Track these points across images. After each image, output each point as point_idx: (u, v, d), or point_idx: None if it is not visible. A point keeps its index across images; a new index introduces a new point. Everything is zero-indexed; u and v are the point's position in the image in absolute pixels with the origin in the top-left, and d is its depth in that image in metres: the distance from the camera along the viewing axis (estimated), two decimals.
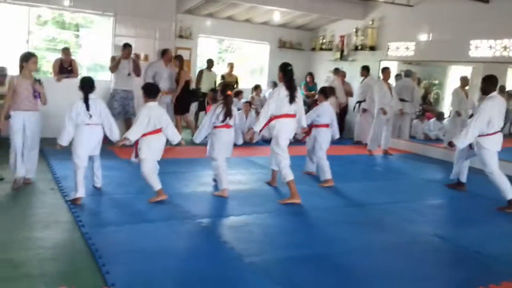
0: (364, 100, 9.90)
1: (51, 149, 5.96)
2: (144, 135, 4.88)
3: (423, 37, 9.61)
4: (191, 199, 5.32)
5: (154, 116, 4.88)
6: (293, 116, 5.45)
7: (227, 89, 5.47)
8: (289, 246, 4.06)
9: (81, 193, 4.75)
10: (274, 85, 11.15)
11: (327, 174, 6.27)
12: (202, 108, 9.81)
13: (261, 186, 6.03)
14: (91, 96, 4.93)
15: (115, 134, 5.14)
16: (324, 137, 6.39)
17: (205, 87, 10.07)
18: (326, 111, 6.41)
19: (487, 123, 5.45)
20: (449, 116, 9.67)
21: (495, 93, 5.60)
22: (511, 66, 9.07)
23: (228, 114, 5.31)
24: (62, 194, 5.03)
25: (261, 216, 4.83)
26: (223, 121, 5.33)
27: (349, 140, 10.37)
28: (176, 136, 5.13)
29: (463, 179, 6.36)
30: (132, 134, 4.86)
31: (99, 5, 8.45)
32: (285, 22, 11.92)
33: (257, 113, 10.17)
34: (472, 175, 6.42)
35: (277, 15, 10.81)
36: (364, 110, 9.86)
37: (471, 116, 9.13)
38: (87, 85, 4.94)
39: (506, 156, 8.56)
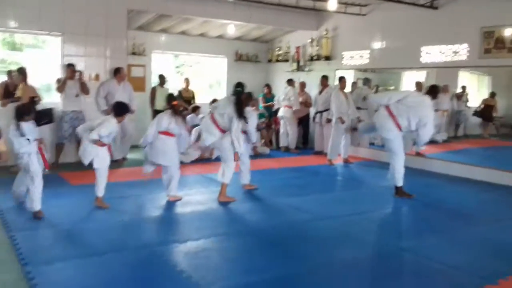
0: (325, 110, 9.82)
1: None
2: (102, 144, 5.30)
3: (376, 45, 9.73)
4: (146, 224, 5.10)
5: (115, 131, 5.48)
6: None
7: (172, 99, 5.87)
8: (249, 271, 3.88)
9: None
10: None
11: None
12: None
13: (220, 206, 5.85)
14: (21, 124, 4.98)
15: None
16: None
17: (159, 104, 9.83)
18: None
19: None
20: None
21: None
22: (461, 70, 9.28)
23: (181, 119, 5.77)
24: (5, 229, 4.69)
25: (220, 239, 4.65)
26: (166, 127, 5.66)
27: (310, 150, 10.35)
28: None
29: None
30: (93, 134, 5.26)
31: (45, 26, 8.10)
32: (241, 35, 11.85)
33: None
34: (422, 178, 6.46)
35: (231, 29, 10.72)
36: (328, 120, 9.73)
37: None
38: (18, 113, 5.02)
39: (457, 158, 8.79)
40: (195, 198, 6.16)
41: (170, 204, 5.79)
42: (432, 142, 9.99)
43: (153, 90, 10.11)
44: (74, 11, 8.23)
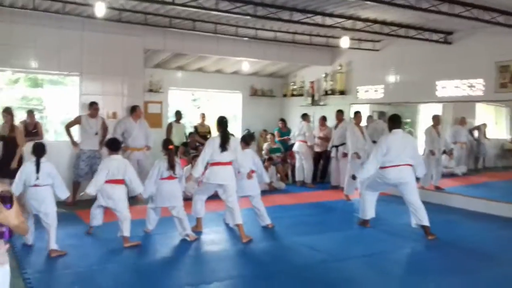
0: (341, 144, 9.77)
1: None
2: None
3: (391, 79, 9.75)
4: (160, 265, 5.05)
5: (113, 166, 5.54)
6: (227, 163, 5.95)
7: (168, 144, 6.05)
8: None
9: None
10: (248, 132, 11.11)
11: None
12: None
13: (234, 246, 5.78)
14: (42, 160, 5.29)
15: (62, 193, 5.48)
16: (246, 183, 6.44)
17: (175, 140, 9.92)
18: (247, 158, 6.46)
19: (383, 155, 6.08)
20: (423, 155, 9.66)
21: (397, 130, 6.27)
22: (479, 102, 9.19)
23: (171, 166, 5.77)
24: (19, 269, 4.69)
25: (234, 282, 4.58)
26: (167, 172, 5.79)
27: (327, 185, 10.24)
28: (137, 188, 5.71)
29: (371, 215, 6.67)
30: (91, 187, 5.56)
31: (64, 66, 8.34)
32: (256, 71, 12.01)
33: None
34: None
35: (246, 65, 10.88)
36: (345, 155, 9.64)
37: (444, 152, 9.28)
38: (37, 150, 5.34)
39: (477, 192, 8.61)
40: (209, 237, 6.11)
41: (183, 244, 5.74)
42: (451, 175, 9.90)
43: (169, 126, 10.19)
44: (92, 51, 8.46)
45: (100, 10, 6.45)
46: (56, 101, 12.36)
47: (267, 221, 6.59)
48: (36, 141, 6.62)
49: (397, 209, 7.90)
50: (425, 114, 9.91)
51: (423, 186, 9.00)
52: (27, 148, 7.61)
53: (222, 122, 6.11)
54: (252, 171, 6.52)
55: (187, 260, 5.31)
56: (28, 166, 5.30)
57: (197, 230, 6.25)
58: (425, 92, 8.97)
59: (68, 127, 8.21)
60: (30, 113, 8.49)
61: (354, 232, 6.55)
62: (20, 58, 7.98)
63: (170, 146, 5.97)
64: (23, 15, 7.54)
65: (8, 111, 7.42)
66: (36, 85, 12.80)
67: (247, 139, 6.99)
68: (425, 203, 8.18)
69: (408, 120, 11.17)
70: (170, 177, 5.86)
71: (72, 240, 5.68)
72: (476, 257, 5.43)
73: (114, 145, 5.86)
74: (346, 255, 5.41)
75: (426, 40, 8.33)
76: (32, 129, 8.29)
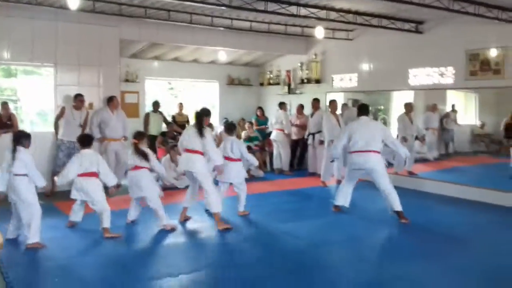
0: (318, 132, 9.92)
1: None
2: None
3: (364, 68, 9.94)
4: (140, 256, 5.13)
5: (85, 160, 5.67)
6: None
7: (137, 136, 6.18)
8: None
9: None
10: (226, 122, 11.16)
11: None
12: (153, 151, 9.61)
13: (214, 235, 5.89)
14: (19, 148, 5.25)
15: (38, 181, 5.36)
16: (236, 169, 6.70)
17: (153, 130, 9.96)
18: (234, 145, 6.72)
19: (348, 141, 6.47)
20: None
21: (362, 117, 6.61)
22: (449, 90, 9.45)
23: (141, 155, 5.98)
24: None
25: (213, 271, 4.68)
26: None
27: (305, 172, 10.42)
28: (110, 181, 5.83)
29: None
30: (60, 177, 5.79)
31: (37, 57, 8.23)
32: (232, 60, 12.05)
33: None
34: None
35: (222, 55, 10.90)
36: (321, 142, 9.79)
37: (416, 138, 9.55)
38: (16, 138, 5.35)
39: (449, 177, 8.90)
40: (192, 226, 6.20)
41: (163, 234, 5.82)
42: (424, 160, 10.20)
43: (147, 116, 10.18)
44: (67, 42, 8.37)
45: (73, 3, 6.38)
46: (31, 91, 12.17)
47: (241, 208, 6.77)
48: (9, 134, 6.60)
49: (373, 195, 8.13)
50: (398, 101, 10.15)
51: (397, 171, 9.26)
52: (2, 139, 7.58)
53: (199, 114, 6.29)
54: (238, 159, 6.72)
55: (167, 250, 5.37)
56: (6, 154, 5.29)
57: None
58: (398, 80, 9.19)
59: (56, 121, 8.19)
60: (4, 104, 8.37)
61: (331, 218, 6.72)
62: None
63: (135, 140, 6.12)
64: None
65: None
66: (10, 75, 12.55)
67: (230, 128, 7.08)
68: (399, 188, 8.45)
69: (382, 107, 11.44)
70: (136, 167, 6.00)
71: (51, 232, 5.68)
72: (448, 241, 5.60)
73: (86, 141, 5.91)
74: (323, 241, 5.58)
75: (398, 29, 8.52)
76: (7, 121, 8.18)
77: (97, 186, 5.74)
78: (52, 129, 8.29)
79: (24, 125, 10.80)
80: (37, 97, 11.46)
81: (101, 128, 8.58)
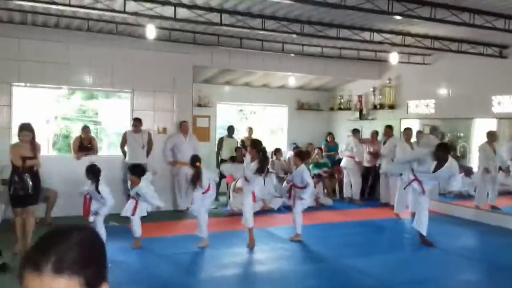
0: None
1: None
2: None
3: (443, 93, 9.44)
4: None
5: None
6: None
7: (195, 160, 6.40)
8: None
9: None
10: (295, 147, 11.05)
11: (297, 229, 6.71)
12: (223, 175, 9.68)
13: (279, 267, 5.74)
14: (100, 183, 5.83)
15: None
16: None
17: (225, 154, 10.04)
18: (298, 174, 6.74)
19: None
20: (477, 172, 9.26)
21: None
22: None
23: (193, 182, 6.27)
24: None
25: None
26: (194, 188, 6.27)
27: (375, 202, 9.99)
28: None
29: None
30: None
31: (117, 83, 8.65)
32: (302, 85, 11.97)
33: (278, 177, 10.02)
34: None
35: (292, 80, 10.86)
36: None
37: (500, 169, 8.83)
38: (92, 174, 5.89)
39: None
40: (256, 256, 6.10)
41: (226, 263, 5.77)
42: (509, 193, 9.42)
43: (221, 140, 10.31)
44: (143, 69, 8.73)
45: (150, 32, 6.65)
46: (110, 113, 12.84)
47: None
48: (90, 156, 6.95)
49: (450, 230, 7.63)
50: (480, 129, 9.49)
51: (478, 205, 8.62)
52: (82, 161, 7.98)
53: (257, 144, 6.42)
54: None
55: (229, 281, 5.29)
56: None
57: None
58: (480, 107, 8.62)
59: (122, 147, 8.58)
60: (85, 128, 8.82)
61: (405, 255, 6.35)
62: (76, 76, 8.35)
63: (197, 164, 6.37)
64: (78, 35, 7.89)
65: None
66: (91, 97, 13.34)
67: (303, 156, 7.12)
68: (480, 224, 7.90)
69: (462, 135, 10.77)
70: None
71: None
72: None
73: (137, 172, 6.33)
74: (395, 280, 5.23)
75: (480, 54, 8.01)
76: (87, 144, 8.61)
77: None
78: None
79: (102, 149, 11.43)
80: (116, 119, 12.06)
81: (174, 152, 8.81)
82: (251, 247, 6.29)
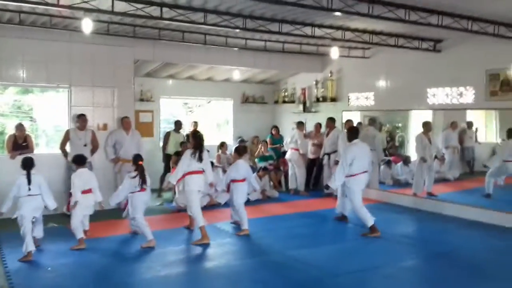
0: (333, 152, 9.71)
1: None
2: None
3: (382, 86, 9.76)
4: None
5: (82, 179, 6.26)
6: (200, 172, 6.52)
7: (138, 159, 6.48)
8: None
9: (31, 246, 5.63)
10: (241, 141, 11.07)
11: (245, 225, 6.93)
12: (167, 170, 9.56)
13: (230, 261, 5.75)
14: (32, 171, 5.83)
15: (50, 202, 5.96)
16: (240, 190, 7.08)
17: (170, 149, 9.86)
18: (240, 168, 7.11)
19: (349, 165, 6.78)
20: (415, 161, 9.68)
21: (356, 140, 7.04)
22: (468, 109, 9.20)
23: (143, 181, 6.32)
24: None
25: None
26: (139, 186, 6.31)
27: (320, 192, 10.19)
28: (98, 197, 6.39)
29: (346, 212, 7.61)
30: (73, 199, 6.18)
31: (53, 78, 8.26)
32: (247, 78, 11.99)
33: (224, 171, 9.98)
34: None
35: (237, 73, 10.83)
36: (337, 162, 9.58)
37: (435, 158, 9.27)
38: (27, 164, 5.86)
39: (470, 199, 8.61)
40: (202, 252, 6.06)
41: (177, 259, 5.72)
42: (444, 180, 9.93)
43: (167, 134, 10.10)
44: (81, 63, 8.40)
45: (87, 26, 6.38)
46: (46, 108, 12.30)
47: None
48: (25, 155, 6.63)
49: (391, 218, 7.93)
50: (416, 120, 9.92)
51: (416, 193, 9.02)
52: (17, 160, 7.59)
53: (196, 137, 6.64)
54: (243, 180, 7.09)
55: (175, 278, 5.25)
56: (21, 179, 5.78)
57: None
58: (416, 99, 9.00)
59: (62, 147, 8.16)
60: (20, 126, 8.38)
61: (348, 245, 6.54)
62: (8, 71, 7.90)
63: (140, 162, 6.46)
64: (10, 29, 7.46)
65: None
66: (27, 91, 12.72)
67: (240, 151, 7.37)
68: (418, 211, 8.27)
69: (400, 125, 11.23)
70: (142, 189, 6.37)
71: (64, 258, 5.62)
72: (469, 271, 5.40)
73: (79, 161, 6.48)
74: (340, 270, 5.37)
75: (416, 48, 8.34)
76: (22, 142, 8.19)
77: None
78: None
79: (40, 145, 10.92)
80: (52, 113, 11.57)
81: (116, 149, 8.56)
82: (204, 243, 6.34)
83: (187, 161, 6.44)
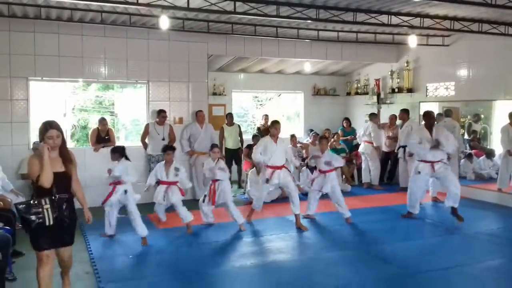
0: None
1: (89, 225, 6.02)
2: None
3: (463, 75, 9.21)
4: (229, 279, 5.08)
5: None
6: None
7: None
8: None
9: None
10: (313, 133, 10.92)
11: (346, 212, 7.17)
12: (229, 164, 9.43)
13: (300, 256, 5.72)
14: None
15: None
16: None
17: (230, 143, 9.79)
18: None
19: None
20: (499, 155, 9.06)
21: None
22: None
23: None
24: (96, 280, 4.90)
25: None
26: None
27: (396, 186, 9.86)
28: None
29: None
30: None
31: (132, 75, 8.63)
32: (318, 70, 11.82)
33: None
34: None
35: (308, 65, 10.71)
36: (411, 155, 9.24)
37: None
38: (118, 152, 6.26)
39: None
40: (276, 245, 6.08)
41: (248, 252, 5.78)
42: None
43: (221, 130, 9.87)
44: (158, 59, 8.70)
45: (164, 23, 6.58)
46: (126, 104, 12.89)
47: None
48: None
49: (474, 214, 7.51)
50: (501, 111, 9.27)
51: (501, 188, 8.46)
52: (100, 153, 8.06)
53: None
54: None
55: (252, 271, 5.29)
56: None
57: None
58: (501, 88, 8.41)
59: (143, 139, 8.61)
60: (103, 120, 8.85)
61: (428, 241, 6.26)
62: (91, 68, 8.34)
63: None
64: (92, 28, 7.89)
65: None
66: (108, 88, 13.41)
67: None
68: (504, 207, 7.76)
69: (482, 116, 10.55)
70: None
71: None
72: None
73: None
74: (419, 268, 5.15)
75: (502, 34, 7.77)
76: (105, 136, 8.65)
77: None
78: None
79: (120, 139, 11.47)
80: (132, 109, 12.10)
81: (191, 142, 8.81)
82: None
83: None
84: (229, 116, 10.08)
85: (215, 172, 6.72)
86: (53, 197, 3.78)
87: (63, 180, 3.90)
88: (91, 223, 4.30)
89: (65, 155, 3.95)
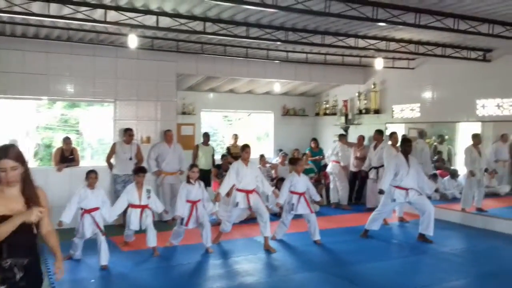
0: (381, 166, 9.35)
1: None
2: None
3: (428, 97, 9.48)
4: None
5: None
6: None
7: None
8: None
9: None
10: (283, 153, 10.95)
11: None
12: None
13: (268, 278, 5.65)
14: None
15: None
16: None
17: (202, 163, 9.61)
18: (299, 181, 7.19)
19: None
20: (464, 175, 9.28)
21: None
22: None
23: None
24: None
25: None
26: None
27: (362, 206, 9.93)
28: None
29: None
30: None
31: (99, 93, 8.47)
32: (287, 90, 11.94)
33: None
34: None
35: (277, 86, 10.80)
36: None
37: (486, 170, 8.82)
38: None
39: None
40: (243, 267, 5.99)
41: (215, 274, 5.66)
42: (494, 195, 9.46)
43: (196, 148, 9.70)
44: (126, 78, 8.59)
45: (132, 42, 6.53)
46: (92, 122, 12.67)
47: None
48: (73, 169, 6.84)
49: (438, 234, 7.61)
50: (465, 132, 9.54)
51: (464, 208, 8.64)
52: (64, 173, 7.83)
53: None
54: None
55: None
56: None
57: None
58: (465, 110, 8.68)
59: (108, 159, 8.41)
60: (67, 139, 8.63)
61: (394, 262, 6.29)
62: (56, 86, 8.15)
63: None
64: (58, 45, 7.73)
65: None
66: (74, 106, 13.15)
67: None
68: (467, 227, 7.91)
69: (446, 137, 10.82)
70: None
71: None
72: None
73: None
74: None
75: (464, 58, 8.05)
76: (69, 155, 8.43)
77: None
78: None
79: (85, 158, 11.21)
80: (98, 128, 11.90)
81: (158, 161, 8.67)
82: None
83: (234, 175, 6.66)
84: (206, 136, 9.90)
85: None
86: (3, 262, 2.55)
87: (23, 234, 2.60)
88: (59, 279, 3.11)
89: (30, 196, 2.70)
